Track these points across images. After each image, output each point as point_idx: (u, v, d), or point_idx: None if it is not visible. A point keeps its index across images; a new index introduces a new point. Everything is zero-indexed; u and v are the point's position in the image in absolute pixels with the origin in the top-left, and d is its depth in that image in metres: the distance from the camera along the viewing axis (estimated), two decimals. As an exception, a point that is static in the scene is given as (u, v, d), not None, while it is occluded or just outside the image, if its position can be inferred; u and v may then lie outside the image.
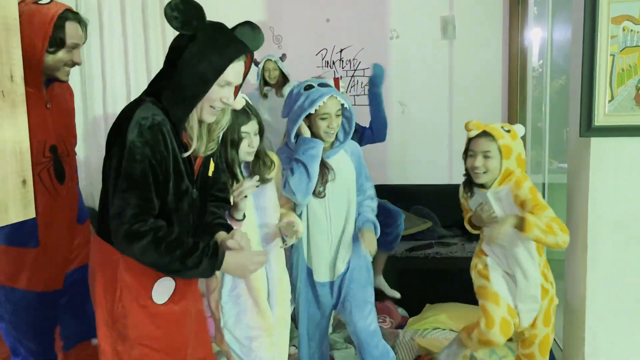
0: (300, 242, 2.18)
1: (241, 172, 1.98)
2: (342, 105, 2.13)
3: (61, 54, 1.78)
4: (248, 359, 2.00)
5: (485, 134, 2.08)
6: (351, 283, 2.22)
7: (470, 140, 2.13)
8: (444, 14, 4.27)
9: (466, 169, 2.18)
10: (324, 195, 2.14)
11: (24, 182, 1.21)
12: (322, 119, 2.10)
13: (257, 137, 1.99)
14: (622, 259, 2.20)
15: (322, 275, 2.23)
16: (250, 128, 1.94)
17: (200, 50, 1.46)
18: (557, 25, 3.81)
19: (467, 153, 2.14)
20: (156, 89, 1.52)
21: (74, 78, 4.55)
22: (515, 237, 2.05)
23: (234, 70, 1.52)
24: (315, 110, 2.06)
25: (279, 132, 3.68)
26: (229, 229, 1.76)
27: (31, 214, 1.26)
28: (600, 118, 2.09)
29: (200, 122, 1.57)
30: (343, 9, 4.35)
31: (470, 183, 2.19)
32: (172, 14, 1.44)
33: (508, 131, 2.10)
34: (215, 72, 1.47)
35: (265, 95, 3.80)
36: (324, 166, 2.13)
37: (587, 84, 2.08)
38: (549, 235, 1.95)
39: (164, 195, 1.52)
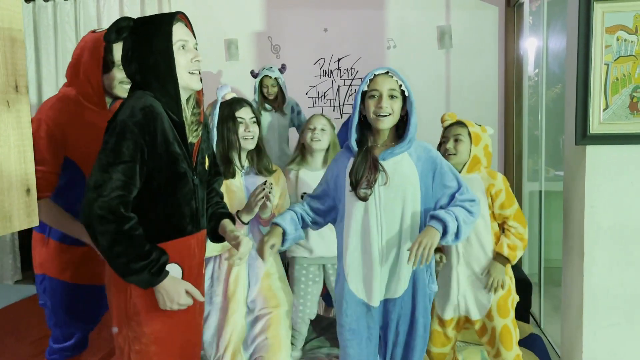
0: (342, 271, 1.94)
1: (239, 157, 2.10)
2: (407, 97, 1.86)
3: (114, 73, 1.95)
4: (210, 357, 2.10)
5: (458, 122, 2.26)
6: (408, 312, 1.91)
7: (444, 130, 2.28)
8: (441, 23, 4.31)
9: None
10: (367, 198, 1.85)
11: (28, 191, 1.22)
12: (371, 97, 1.84)
13: (255, 126, 2.12)
14: (618, 266, 2.22)
15: (375, 299, 1.89)
16: (244, 114, 2.09)
17: (144, 33, 1.59)
18: (553, 34, 3.85)
19: (440, 141, 2.28)
20: (138, 87, 1.62)
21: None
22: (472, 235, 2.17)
23: (181, 31, 1.62)
24: (367, 87, 1.86)
25: (277, 150, 3.70)
26: (232, 217, 1.84)
27: (34, 222, 1.27)
28: (595, 126, 2.12)
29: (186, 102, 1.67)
30: (341, 19, 4.38)
31: None
32: (107, 37, 1.60)
33: (479, 125, 2.27)
34: (166, 37, 1.57)
35: (264, 109, 3.69)
36: (373, 165, 1.85)
37: (582, 92, 2.11)
38: (518, 251, 2.18)
39: (158, 179, 1.55)
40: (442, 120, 2.28)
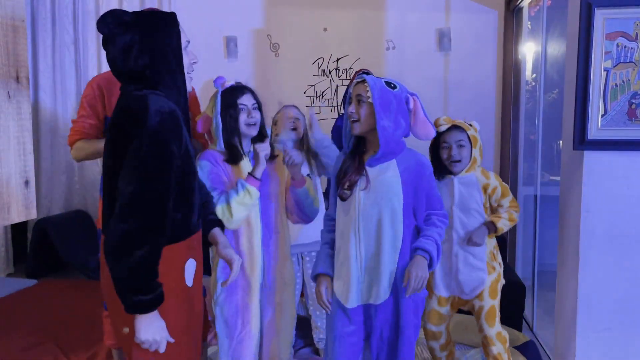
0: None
1: (240, 144, 2.10)
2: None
3: None
4: (233, 334, 2.10)
5: (455, 127, 2.31)
6: (390, 323, 1.91)
7: (440, 134, 2.31)
8: (440, 26, 4.32)
9: (435, 160, 2.34)
10: (346, 198, 1.88)
11: (27, 182, 1.22)
12: (349, 103, 1.88)
13: (257, 112, 2.11)
14: (613, 271, 2.23)
15: (351, 300, 1.90)
16: (246, 100, 2.09)
17: (154, 28, 1.55)
18: (551, 40, 3.86)
19: (440, 146, 2.33)
20: (144, 85, 1.55)
21: (71, 82, 4.58)
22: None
23: (182, 31, 1.62)
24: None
25: None
26: (221, 224, 1.87)
27: (32, 214, 1.27)
28: (594, 132, 2.13)
29: None
30: (340, 19, 4.39)
31: (440, 172, 2.33)
32: (105, 30, 1.53)
33: (470, 125, 2.34)
34: (178, 35, 1.58)
35: None
36: (357, 168, 1.87)
37: (581, 98, 2.12)
38: (510, 225, 2.33)
39: (184, 180, 1.56)
40: (437, 124, 2.30)
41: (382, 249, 1.86)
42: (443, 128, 2.30)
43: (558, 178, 2.65)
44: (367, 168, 1.88)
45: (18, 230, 4.63)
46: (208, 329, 2.42)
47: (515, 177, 4.11)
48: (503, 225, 2.30)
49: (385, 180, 1.86)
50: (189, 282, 1.62)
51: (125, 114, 1.50)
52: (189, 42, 1.64)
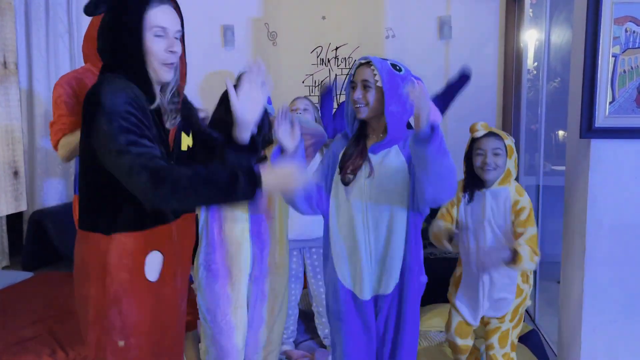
0: (330, 258, 1.91)
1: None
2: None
3: None
4: (215, 321, 2.06)
5: (492, 134, 2.18)
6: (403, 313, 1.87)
7: (475, 140, 2.20)
8: (441, 14, 4.25)
9: (467, 171, 2.23)
10: (349, 183, 1.81)
11: (16, 173, 1.16)
12: (352, 88, 1.81)
13: None
14: (619, 263, 2.19)
15: (366, 292, 1.85)
16: None
17: (119, 10, 1.47)
18: (553, 28, 3.81)
19: (473, 153, 2.20)
20: (108, 68, 1.52)
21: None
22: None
23: (162, 16, 1.48)
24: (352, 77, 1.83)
25: None
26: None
27: (22, 207, 1.21)
28: (601, 120, 2.08)
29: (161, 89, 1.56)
30: (339, 7, 4.31)
31: (471, 185, 2.21)
32: (85, 8, 1.51)
33: (507, 135, 2.23)
34: (138, 19, 1.45)
35: None
36: (360, 153, 1.82)
37: (588, 85, 2.07)
38: (530, 264, 2.08)
39: None
40: (474, 130, 2.19)
41: (393, 237, 1.81)
42: (479, 134, 2.17)
43: (559, 168, 2.61)
44: (370, 155, 1.82)
45: (13, 222, 4.57)
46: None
47: (517, 167, 4.06)
48: (524, 255, 2.03)
49: (391, 167, 1.80)
50: (152, 276, 1.54)
51: (86, 98, 1.47)
52: (165, 28, 1.48)
